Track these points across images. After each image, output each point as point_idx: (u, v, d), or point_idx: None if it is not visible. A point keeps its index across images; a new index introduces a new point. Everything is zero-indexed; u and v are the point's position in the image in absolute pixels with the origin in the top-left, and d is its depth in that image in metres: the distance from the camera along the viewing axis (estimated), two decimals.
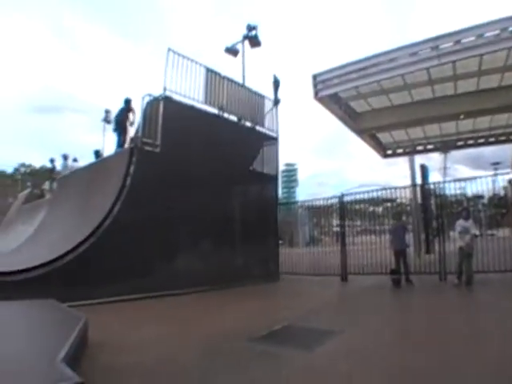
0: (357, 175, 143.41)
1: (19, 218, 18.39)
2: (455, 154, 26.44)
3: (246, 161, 13.48)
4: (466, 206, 11.74)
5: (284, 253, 14.80)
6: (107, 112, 22.40)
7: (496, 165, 38.83)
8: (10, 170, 53.45)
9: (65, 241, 9.69)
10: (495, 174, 12.70)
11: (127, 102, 12.73)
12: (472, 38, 11.78)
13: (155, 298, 9.21)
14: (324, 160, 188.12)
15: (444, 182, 12.48)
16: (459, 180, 12.22)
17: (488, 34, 11.59)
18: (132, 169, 9.98)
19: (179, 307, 8.61)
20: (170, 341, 5.50)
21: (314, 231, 17.60)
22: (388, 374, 3.92)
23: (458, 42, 11.84)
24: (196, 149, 11.09)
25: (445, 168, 42.17)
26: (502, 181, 12.57)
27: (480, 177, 11.53)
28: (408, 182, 19.19)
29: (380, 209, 15.34)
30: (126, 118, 12.58)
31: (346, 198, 13.55)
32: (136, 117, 12.12)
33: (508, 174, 16.37)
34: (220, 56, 16.19)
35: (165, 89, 10.70)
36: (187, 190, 10.77)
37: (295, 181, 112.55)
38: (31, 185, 27.34)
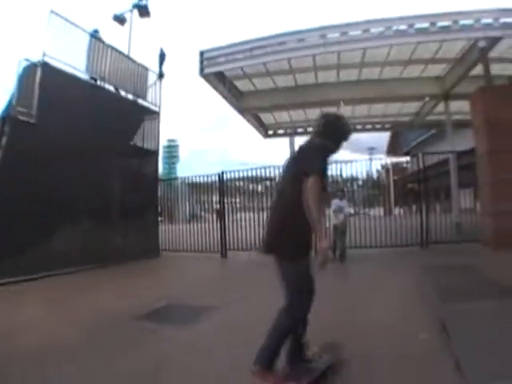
0: (240, 154, 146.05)
1: None
2: None
3: (126, 135, 13.61)
4: (341, 187, 12.85)
5: (164, 230, 15.21)
6: None
7: (372, 149, 42.80)
8: None
9: None
10: (370, 159, 14.39)
11: None
12: (358, 32, 13.03)
13: (28, 281, 9.08)
14: (208, 138, 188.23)
15: None
16: (339, 162, 13.35)
17: (373, 30, 12.91)
18: (4, 140, 9.61)
19: (55, 289, 8.58)
20: (44, 325, 5.55)
21: (194, 208, 18.38)
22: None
23: (344, 33, 13.09)
24: (75, 121, 10.92)
25: None
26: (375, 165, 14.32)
27: (356, 160, 13.31)
28: None
29: (259, 187, 16.43)
30: None
31: (226, 176, 14.19)
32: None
33: (381, 159, 18.37)
34: (106, 24, 16.01)
35: (44, 54, 10.33)
36: (65, 164, 10.60)
37: (176, 157, 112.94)
38: None
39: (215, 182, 14.78)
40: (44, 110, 10.22)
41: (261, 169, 14.37)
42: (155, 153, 15.25)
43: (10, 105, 10.33)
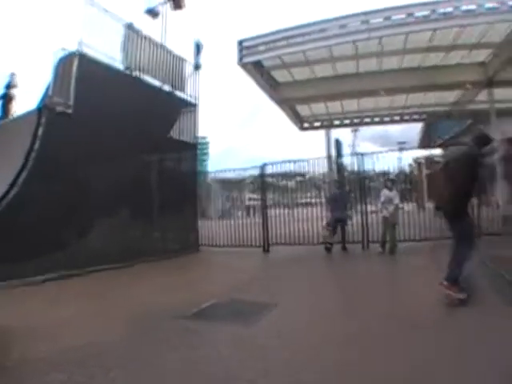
0: (270, 151, 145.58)
1: None
2: (364, 132, 27.84)
3: (164, 127, 13.42)
4: (391, 177, 12.49)
5: (200, 225, 15.01)
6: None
7: (402, 143, 42.12)
8: None
9: None
10: (401, 152, 14.00)
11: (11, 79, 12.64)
12: (402, 16, 12.66)
13: (69, 277, 8.90)
14: (240, 134, 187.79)
15: (362, 154, 13.20)
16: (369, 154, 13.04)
17: (417, 14, 12.52)
18: (41, 131, 9.41)
19: (99, 285, 8.41)
20: (93, 321, 5.37)
21: (225, 204, 18.23)
22: (333, 342, 4.29)
23: (388, 18, 12.78)
24: (112, 112, 10.75)
25: (353, 145, 45.32)
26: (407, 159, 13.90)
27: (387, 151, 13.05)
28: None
29: (293, 183, 16.24)
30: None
31: (267, 169, 13.84)
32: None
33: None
34: (139, 18, 15.95)
35: (80, 44, 10.18)
36: (102, 156, 10.45)
37: (207, 154, 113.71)
38: None
39: (248, 178, 14.73)
40: (81, 100, 10.07)
41: (300, 161, 13.84)
42: (194, 146, 15.10)
43: (46, 95, 10.29)
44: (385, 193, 11.17)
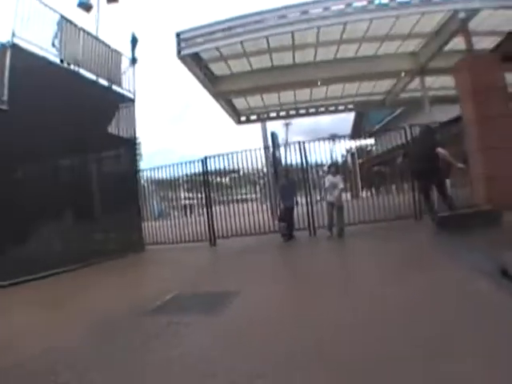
0: (205, 149, 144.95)
1: None
2: (295, 127, 27.85)
3: (101, 123, 13.13)
4: (334, 162, 12.91)
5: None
6: None
7: (334, 136, 43.20)
8: None
9: None
10: (333, 142, 14.33)
11: None
12: (341, 6, 13.02)
13: (5, 287, 8.43)
14: (172, 132, 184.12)
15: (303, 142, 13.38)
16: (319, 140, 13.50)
17: (356, 4, 12.91)
18: None
19: (43, 293, 7.92)
20: (49, 328, 5.02)
21: (162, 205, 17.97)
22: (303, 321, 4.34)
23: (327, 8, 12.99)
24: (48, 107, 10.32)
25: (286, 139, 46.58)
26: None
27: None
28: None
29: (229, 178, 16.20)
30: None
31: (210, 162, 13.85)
32: None
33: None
34: (72, 12, 15.35)
35: (13, 34, 9.68)
36: (39, 155, 10.10)
37: (139, 155, 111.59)
38: None
39: (183, 176, 14.85)
40: (15, 95, 9.60)
41: (239, 152, 13.72)
42: (132, 142, 14.86)
43: None
44: (329, 178, 11.30)
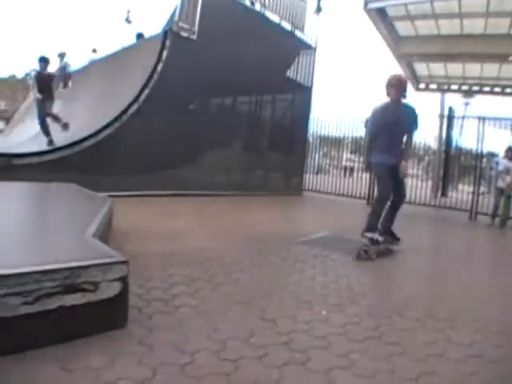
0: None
1: (29, 115, 18.85)
2: (476, 104, 25.97)
3: (282, 66, 13.75)
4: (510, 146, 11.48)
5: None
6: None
7: None
8: (19, 75, 54.44)
9: (83, 128, 9.89)
10: None
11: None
12: None
13: (178, 196, 9.70)
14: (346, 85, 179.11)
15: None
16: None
17: None
18: (165, 54, 9.97)
19: (211, 206, 9.19)
20: (208, 233, 5.89)
21: (323, 160, 18.58)
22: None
23: None
24: (233, 44, 11.10)
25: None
26: None
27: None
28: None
29: None
30: None
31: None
32: None
33: None
34: None
35: None
36: (220, 87, 11.02)
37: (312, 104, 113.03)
38: None
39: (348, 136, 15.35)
40: (204, 28, 10.48)
41: None
42: (309, 89, 15.33)
43: (172, 19, 10.77)
44: (503, 162, 10.70)
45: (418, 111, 5.71)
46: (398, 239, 5.78)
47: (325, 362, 2.49)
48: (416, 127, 5.78)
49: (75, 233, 3.33)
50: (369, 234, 5.43)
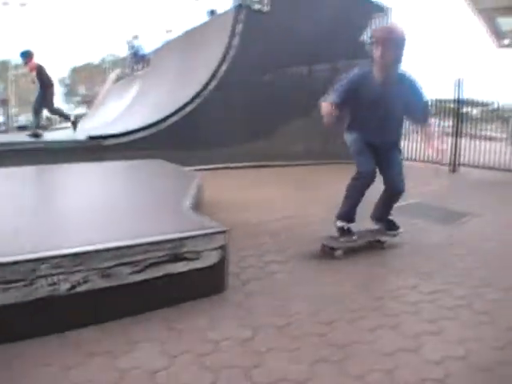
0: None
1: (110, 97, 19.58)
2: None
3: (355, 33, 13.20)
4: None
5: None
6: None
7: None
8: (96, 61, 57.06)
9: (167, 104, 10.34)
10: None
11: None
12: None
13: (258, 167, 10.05)
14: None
15: None
16: None
17: None
18: (239, 28, 10.12)
19: (291, 175, 9.45)
20: (296, 201, 6.21)
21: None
22: None
23: None
24: (305, 13, 10.92)
25: None
26: None
27: None
28: None
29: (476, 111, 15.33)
30: None
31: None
32: None
33: None
34: None
35: None
36: (294, 57, 10.97)
37: None
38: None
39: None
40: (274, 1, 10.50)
41: None
42: None
43: None
44: None
45: (420, 84, 4.33)
46: (397, 228, 4.60)
47: (414, 327, 2.59)
48: (424, 111, 4.48)
49: (173, 206, 3.62)
50: (338, 223, 4.33)
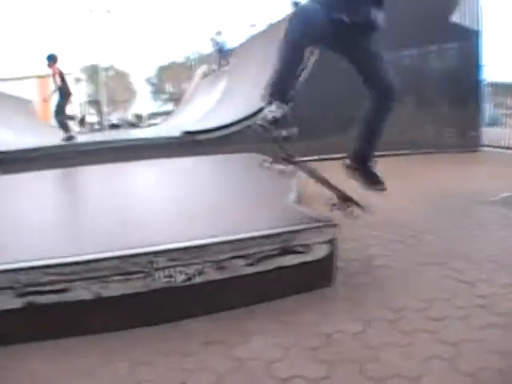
0: None
1: (198, 94, 20.05)
2: None
3: (445, 10, 12.71)
4: None
5: None
6: None
7: None
8: (180, 59, 59.19)
9: (251, 101, 9.76)
10: None
11: None
12: None
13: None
14: None
15: None
16: None
17: None
18: None
19: (383, 166, 9.04)
20: (388, 193, 5.98)
21: (496, 111, 17.04)
22: None
23: None
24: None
25: None
26: None
27: None
28: None
29: None
30: None
31: None
32: None
33: None
34: None
35: None
36: (383, 42, 10.72)
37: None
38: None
39: None
40: None
41: None
42: (477, 33, 13.76)
43: None
44: None
45: None
46: (378, 181, 3.81)
47: None
48: None
49: (277, 200, 3.65)
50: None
